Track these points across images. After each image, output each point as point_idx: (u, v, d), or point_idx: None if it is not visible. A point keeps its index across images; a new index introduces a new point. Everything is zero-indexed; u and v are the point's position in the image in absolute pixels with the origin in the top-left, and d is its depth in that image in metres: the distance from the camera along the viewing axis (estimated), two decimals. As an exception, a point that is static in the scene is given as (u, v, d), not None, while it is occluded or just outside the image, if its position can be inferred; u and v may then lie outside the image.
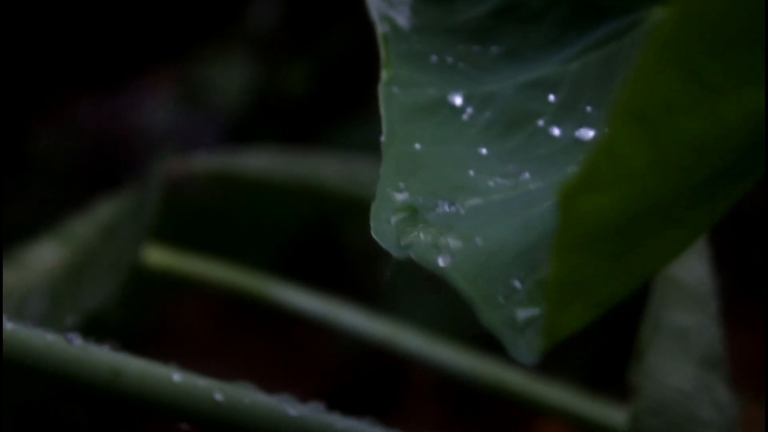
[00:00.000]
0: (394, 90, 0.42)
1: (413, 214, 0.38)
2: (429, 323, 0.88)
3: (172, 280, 0.76)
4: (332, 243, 1.43)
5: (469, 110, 0.42)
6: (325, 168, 0.83)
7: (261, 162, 0.83)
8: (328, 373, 1.42)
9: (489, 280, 0.35)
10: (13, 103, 1.52)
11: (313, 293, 0.74)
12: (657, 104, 0.28)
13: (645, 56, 0.27)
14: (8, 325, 0.42)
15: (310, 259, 1.38)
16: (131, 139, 1.52)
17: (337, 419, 0.45)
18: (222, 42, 1.59)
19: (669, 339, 0.54)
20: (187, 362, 0.45)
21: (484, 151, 0.41)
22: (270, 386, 0.46)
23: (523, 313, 0.34)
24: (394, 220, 0.37)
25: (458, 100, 0.42)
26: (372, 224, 0.37)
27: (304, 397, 0.46)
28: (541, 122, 0.41)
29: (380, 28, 0.43)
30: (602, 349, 1.29)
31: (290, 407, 0.45)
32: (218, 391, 0.44)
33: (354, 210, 0.88)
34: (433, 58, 0.44)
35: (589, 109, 0.41)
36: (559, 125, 0.41)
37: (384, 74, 0.42)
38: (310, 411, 0.45)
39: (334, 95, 1.56)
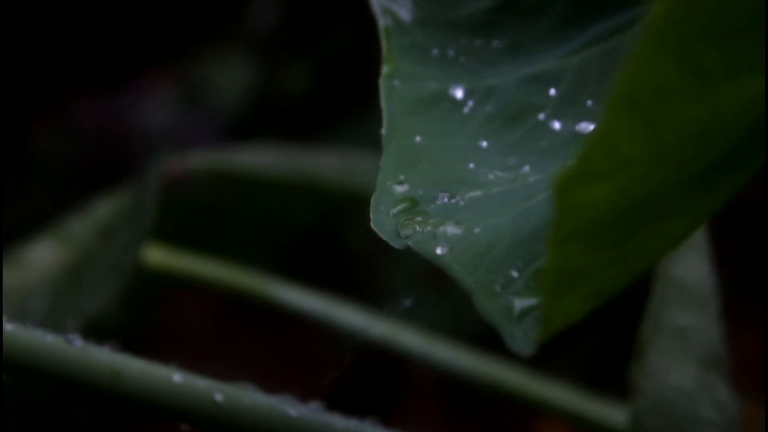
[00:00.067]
0: (396, 83, 0.42)
1: (413, 205, 0.38)
2: (429, 323, 0.88)
3: (172, 280, 0.76)
4: (332, 243, 1.43)
5: (470, 104, 0.42)
6: (324, 164, 0.83)
7: (259, 159, 0.83)
8: (328, 373, 1.42)
9: (487, 271, 0.35)
10: (13, 103, 1.52)
11: (313, 293, 0.74)
12: (652, 93, 0.28)
13: (640, 44, 0.27)
14: (8, 326, 0.42)
15: (310, 258, 1.38)
16: (131, 139, 1.52)
17: (336, 419, 0.45)
18: (222, 42, 1.59)
19: (669, 339, 0.54)
20: (187, 362, 0.45)
21: (484, 144, 0.41)
22: (270, 386, 0.46)
23: (520, 303, 0.34)
24: (393, 211, 0.38)
25: (459, 94, 0.42)
26: (372, 216, 0.37)
27: (304, 397, 0.46)
28: (542, 116, 0.42)
29: (382, 22, 0.43)
30: (602, 348, 1.29)
31: (290, 407, 0.44)
32: (218, 391, 0.44)
33: (353, 207, 0.88)
34: (435, 51, 0.44)
35: (590, 103, 0.41)
36: (559, 119, 0.41)
37: (385, 67, 0.42)
38: (310, 411, 0.45)
39: (334, 95, 1.56)
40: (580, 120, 0.41)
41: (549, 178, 0.38)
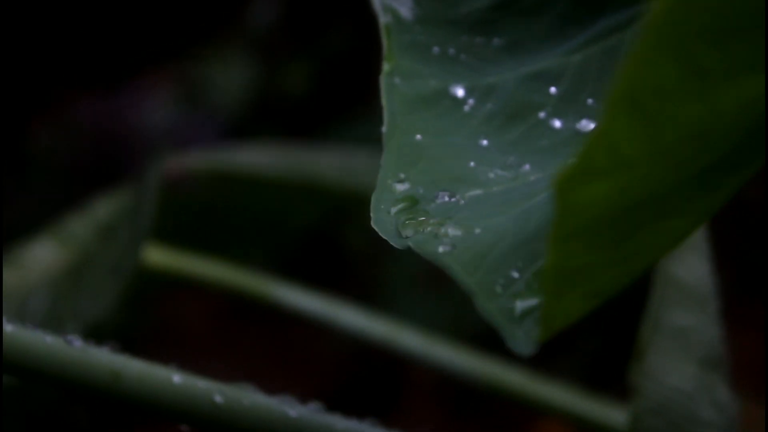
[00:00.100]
0: (396, 81, 0.42)
1: (413, 204, 0.38)
2: (429, 323, 0.88)
3: (172, 280, 0.76)
4: (332, 243, 1.43)
5: (471, 102, 0.42)
6: (323, 163, 0.83)
7: (259, 159, 0.82)
8: (328, 373, 1.42)
9: (488, 271, 0.35)
10: (13, 103, 1.52)
11: (313, 293, 0.74)
12: (652, 92, 0.28)
13: (640, 44, 0.27)
14: (8, 327, 0.42)
15: (310, 258, 1.38)
16: (131, 139, 1.52)
17: (336, 420, 0.45)
18: (222, 42, 1.59)
19: (669, 339, 0.54)
20: (187, 362, 0.45)
21: (485, 142, 0.41)
22: (270, 386, 0.46)
23: (521, 304, 0.34)
24: (394, 210, 0.37)
25: (460, 92, 0.42)
26: (372, 214, 0.37)
27: (304, 397, 0.46)
28: (542, 114, 0.41)
29: (383, 19, 0.43)
30: (602, 349, 1.29)
31: (290, 408, 0.44)
32: (218, 392, 0.44)
33: (353, 206, 0.88)
34: (436, 49, 0.44)
35: (590, 101, 0.41)
36: (560, 117, 0.41)
37: (386, 65, 0.42)
38: (310, 412, 0.45)
39: (334, 95, 1.56)
40: (581, 118, 0.41)
41: (549, 176, 0.38)
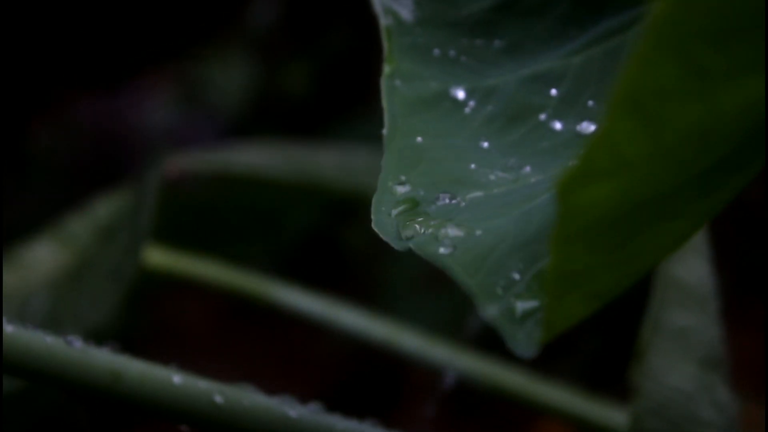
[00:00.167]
0: (397, 83, 0.42)
1: (414, 206, 0.38)
2: (429, 323, 0.88)
3: (172, 281, 0.76)
4: (332, 243, 1.43)
5: (472, 104, 0.42)
6: (323, 163, 0.83)
7: (259, 159, 0.82)
8: (329, 373, 1.42)
9: (489, 272, 0.35)
10: (13, 102, 1.52)
11: (313, 294, 0.74)
12: (653, 94, 0.28)
13: (641, 45, 0.27)
14: (8, 328, 0.42)
15: (310, 259, 1.38)
16: (131, 139, 1.52)
17: (336, 420, 0.45)
18: (222, 42, 1.59)
19: (669, 339, 0.54)
20: (187, 362, 0.45)
21: (485, 144, 0.41)
22: (270, 386, 0.46)
23: (522, 306, 0.34)
24: (395, 212, 0.37)
25: (460, 94, 0.42)
26: (373, 217, 0.37)
27: (304, 397, 0.46)
28: (543, 116, 0.41)
29: (383, 21, 0.43)
30: (602, 349, 1.29)
31: (290, 409, 0.44)
32: (218, 393, 0.44)
33: (353, 207, 0.88)
34: (436, 51, 0.44)
35: (591, 103, 0.41)
36: (560, 119, 0.41)
37: (387, 67, 0.42)
38: (310, 412, 0.45)
39: (334, 94, 1.56)
40: (582, 120, 0.41)
41: (550, 178, 0.38)
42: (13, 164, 1.50)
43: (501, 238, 0.36)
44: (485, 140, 0.41)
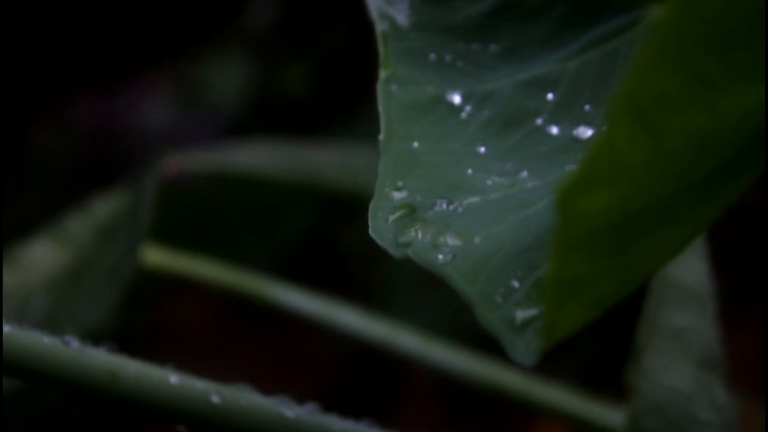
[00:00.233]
0: (393, 88, 0.42)
1: (411, 212, 0.38)
2: (428, 323, 0.88)
3: (171, 280, 0.76)
4: (331, 243, 1.43)
5: (468, 108, 0.42)
6: (323, 163, 0.83)
7: (258, 159, 0.82)
8: (327, 373, 1.42)
9: (488, 280, 0.35)
10: (12, 102, 1.52)
11: (313, 294, 0.74)
12: (654, 101, 0.28)
13: (643, 53, 0.27)
14: (5, 328, 0.42)
15: (309, 259, 1.38)
16: (130, 139, 1.52)
17: (334, 421, 0.45)
18: (220, 42, 1.59)
19: (667, 339, 0.53)
20: (185, 362, 0.45)
21: (482, 149, 0.41)
22: (268, 386, 0.46)
23: (521, 314, 0.34)
24: (392, 218, 0.37)
25: (457, 99, 0.42)
26: (370, 223, 0.37)
27: (302, 397, 0.46)
28: (539, 121, 0.41)
29: (379, 26, 0.43)
30: (601, 349, 1.29)
31: (287, 409, 0.44)
32: (215, 393, 0.44)
33: (352, 207, 0.88)
34: (432, 56, 0.43)
35: (587, 107, 0.41)
36: (557, 124, 0.41)
37: (383, 72, 0.42)
38: (307, 413, 0.45)
39: (333, 94, 1.56)
40: (578, 124, 0.41)
41: (547, 183, 0.38)
42: (13, 164, 1.50)
43: (499, 245, 0.36)
44: (482, 145, 0.41)
